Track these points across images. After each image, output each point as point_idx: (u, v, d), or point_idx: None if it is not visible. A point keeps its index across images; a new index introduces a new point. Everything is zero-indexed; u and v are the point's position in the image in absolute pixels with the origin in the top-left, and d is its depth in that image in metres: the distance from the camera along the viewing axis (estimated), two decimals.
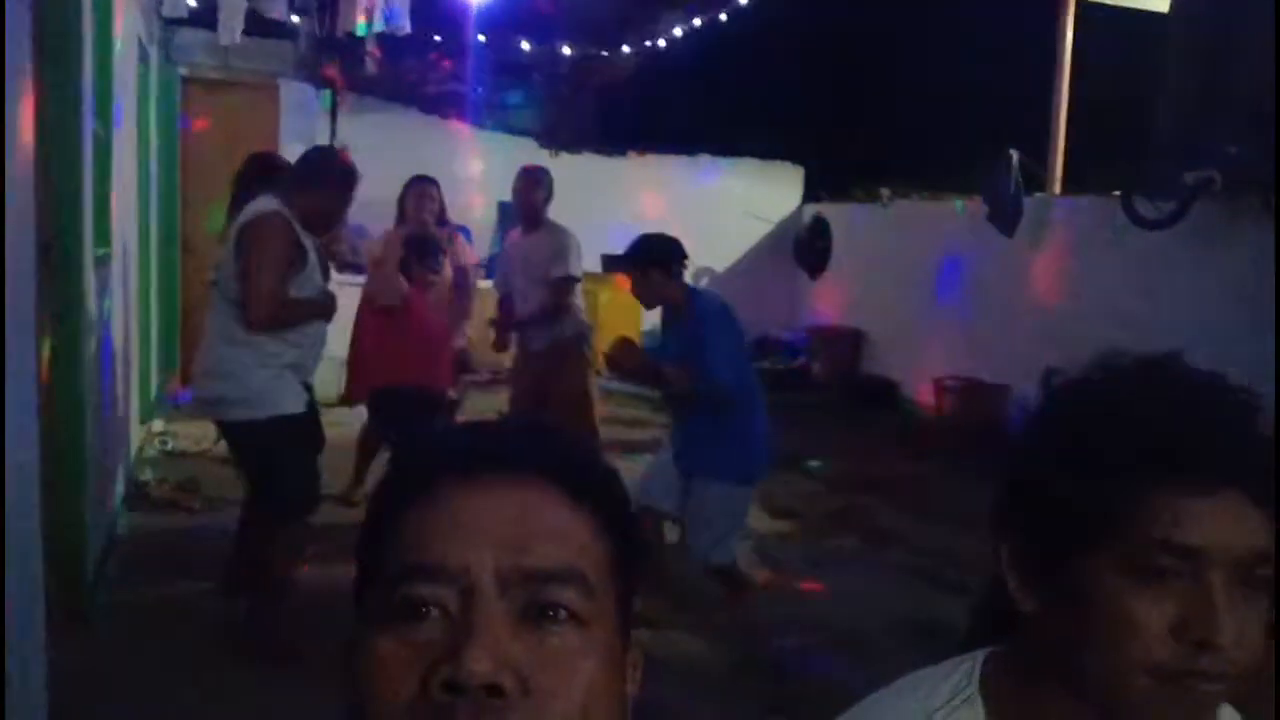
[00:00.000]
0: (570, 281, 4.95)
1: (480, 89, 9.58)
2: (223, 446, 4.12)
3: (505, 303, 5.25)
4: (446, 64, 9.38)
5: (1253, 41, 5.90)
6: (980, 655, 0.92)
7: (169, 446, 5.97)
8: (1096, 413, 0.83)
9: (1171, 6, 6.57)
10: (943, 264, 8.07)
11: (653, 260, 3.67)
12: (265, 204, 3.39)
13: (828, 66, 10.18)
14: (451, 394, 5.25)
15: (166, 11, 6.00)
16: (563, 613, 0.59)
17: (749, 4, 7.74)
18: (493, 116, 9.74)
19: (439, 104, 9.39)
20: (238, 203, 3.69)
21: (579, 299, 5.13)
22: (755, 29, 8.58)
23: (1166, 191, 5.57)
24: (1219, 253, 5.42)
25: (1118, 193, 6.04)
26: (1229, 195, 5.29)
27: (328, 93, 7.98)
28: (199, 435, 5.64)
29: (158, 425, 6.30)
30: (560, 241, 4.94)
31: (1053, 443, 0.84)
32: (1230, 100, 5.75)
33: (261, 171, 3.90)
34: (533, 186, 5.02)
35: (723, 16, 7.85)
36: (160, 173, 6.75)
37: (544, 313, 4.94)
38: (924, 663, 0.96)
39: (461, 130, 9.33)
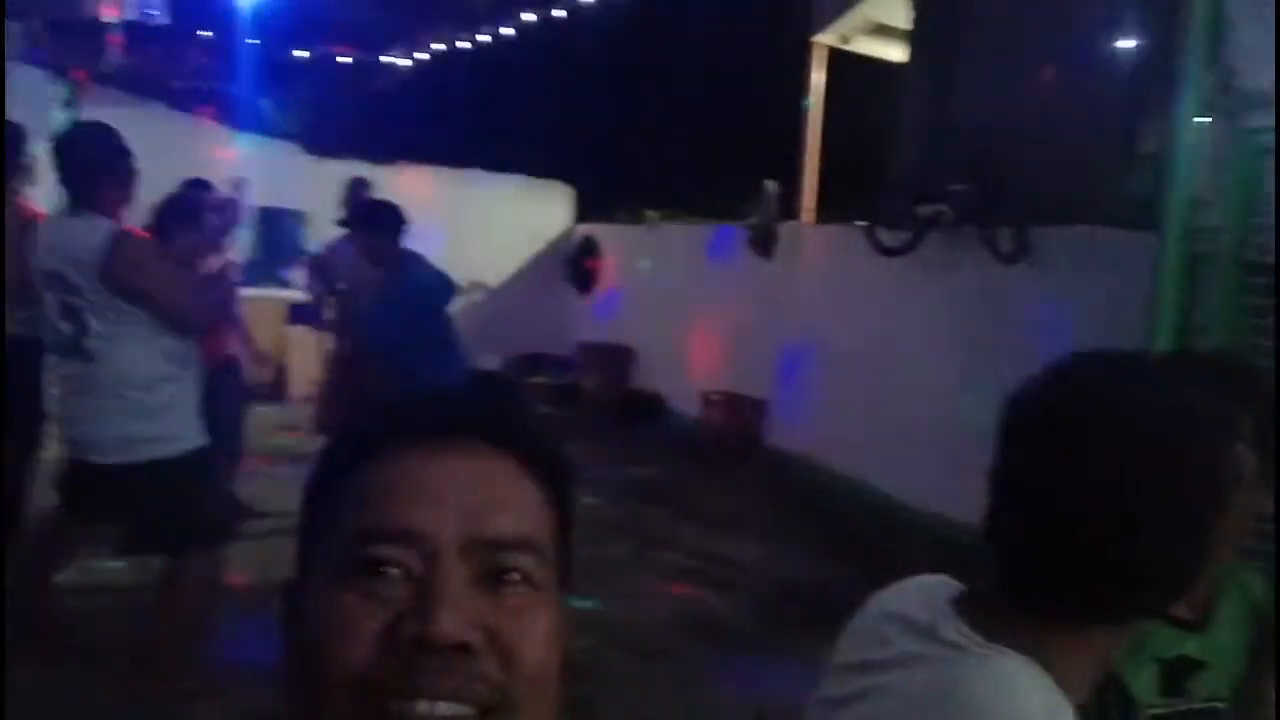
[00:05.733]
0: None
1: (237, 87, 9.07)
2: None
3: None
4: (199, 57, 8.83)
5: (975, 92, 6.66)
6: None
7: None
8: None
9: (909, 57, 7.30)
10: (706, 285, 8.48)
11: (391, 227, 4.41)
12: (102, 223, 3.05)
13: (602, 92, 10.44)
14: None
15: None
16: (518, 576, 0.63)
17: (527, 24, 7.84)
18: (251, 118, 9.26)
19: (189, 100, 8.82)
20: None
21: None
22: (531, 49, 8.70)
23: (903, 223, 6.15)
24: (947, 278, 6.04)
25: (862, 222, 6.60)
26: (955, 228, 5.91)
27: (66, 83, 7.31)
28: None
29: None
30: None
31: None
32: (955, 143, 6.45)
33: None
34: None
35: (509, 31, 7.90)
36: None
37: None
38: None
39: (215, 130, 8.79)
